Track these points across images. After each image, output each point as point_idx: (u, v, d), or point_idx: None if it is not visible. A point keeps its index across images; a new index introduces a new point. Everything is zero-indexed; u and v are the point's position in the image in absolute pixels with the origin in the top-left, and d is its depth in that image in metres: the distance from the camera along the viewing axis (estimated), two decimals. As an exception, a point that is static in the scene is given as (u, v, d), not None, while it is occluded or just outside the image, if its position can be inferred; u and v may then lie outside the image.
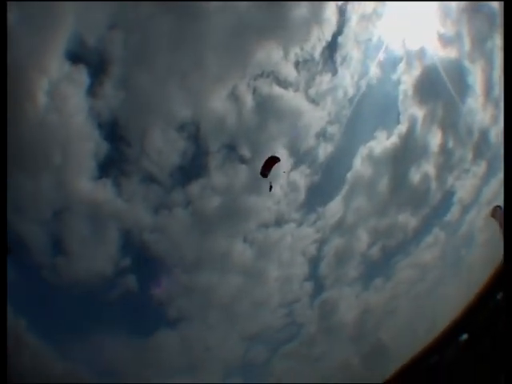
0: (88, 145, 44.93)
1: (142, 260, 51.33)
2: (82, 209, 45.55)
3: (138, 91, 47.59)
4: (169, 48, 46.58)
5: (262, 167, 21.24)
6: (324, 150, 55.39)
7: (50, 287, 43.67)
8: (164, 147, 49.55)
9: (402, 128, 50.10)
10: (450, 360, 18.99)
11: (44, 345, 37.20)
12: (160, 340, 46.27)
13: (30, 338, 36.69)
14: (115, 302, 47.74)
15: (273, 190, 22.29)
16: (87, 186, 45.14)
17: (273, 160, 21.30)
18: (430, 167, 47.91)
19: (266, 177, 21.37)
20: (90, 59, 44.65)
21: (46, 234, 43.59)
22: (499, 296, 16.58)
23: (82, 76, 43.44)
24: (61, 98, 42.86)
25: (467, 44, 42.58)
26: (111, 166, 52.38)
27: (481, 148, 42.30)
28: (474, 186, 41.12)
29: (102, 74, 45.38)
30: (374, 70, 51.26)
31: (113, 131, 48.90)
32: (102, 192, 46.00)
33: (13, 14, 37.29)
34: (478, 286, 19.47)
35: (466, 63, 42.75)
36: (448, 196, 45.72)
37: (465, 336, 18.90)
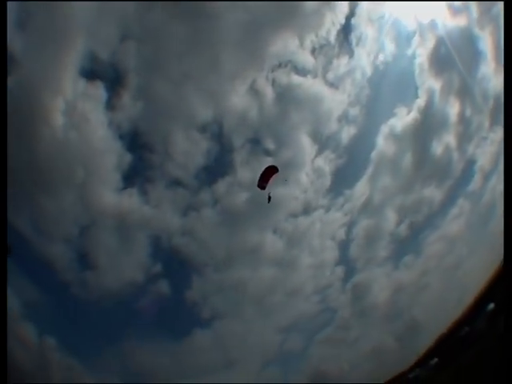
0: (110, 157, 45.93)
1: (173, 264, 52.42)
2: (109, 221, 46.71)
3: (156, 98, 48.26)
4: (183, 52, 46.77)
5: (259, 179, 20.63)
6: (347, 133, 55.22)
7: (80, 303, 44.40)
8: (187, 149, 50.36)
9: (421, 102, 49.46)
10: (480, 331, 19.19)
11: (76, 361, 37.20)
12: (195, 341, 46.76)
13: (60, 356, 36.85)
14: (148, 309, 48.80)
15: (271, 200, 21.37)
16: (112, 198, 46.40)
17: (270, 171, 20.71)
18: (450, 138, 47.29)
19: (264, 189, 20.71)
20: (105, 73, 45.64)
21: (73, 250, 44.33)
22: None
23: (99, 91, 44.29)
24: (79, 116, 43.71)
25: (475, 11, 41.74)
26: (135, 175, 53.71)
27: (497, 114, 41.55)
28: (492, 152, 40.26)
29: (119, 86, 46.12)
30: (389, 47, 50.68)
31: (134, 141, 50.01)
32: (128, 202, 47.19)
33: (21, 39, 38.53)
34: (500, 257, 19.58)
35: (476, 30, 41.85)
36: (469, 165, 45.06)
37: (491, 306, 19.09)
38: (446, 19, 44.35)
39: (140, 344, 44.94)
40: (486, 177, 40.52)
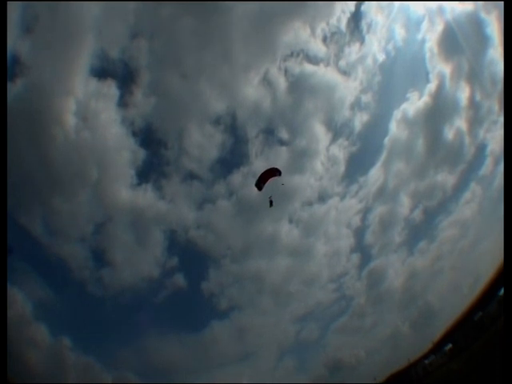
0: (124, 154, 46.33)
1: (190, 257, 52.74)
2: (124, 217, 47.13)
3: (169, 93, 48.74)
4: (195, 46, 46.94)
5: (258, 179, 20.21)
6: (360, 120, 55.02)
7: (96, 300, 44.92)
8: (201, 143, 50.57)
9: (432, 86, 49.13)
10: (492, 315, 19.18)
11: (93, 359, 37.39)
12: (213, 332, 47.03)
13: (76, 355, 37.31)
14: (165, 303, 48.91)
15: (273, 204, 20.65)
16: (127, 194, 46.85)
17: (270, 172, 20.19)
18: (461, 122, 46.88)
19: (261, 189, 20.14)
20: (116, 72, 46.06)
21: (88, 248, 44.66)
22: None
23: (111, 89, 44.78)
24: (91, 115, 44.17)
25: None
26: (150, 171, 54.22)
27: (506, 97, 41.26)
28: (503, 136, 40.12)
29: (131, 83, 46.74)
30: (399, 33, 50.84)
31: (148, 136, 50.38)
32: (143, 198, 47.64)
33: (29, 42, 38.78)
34: None
35: (483, 15, 41.30)
36: (481, 149, 44.67)
37: (503, 290, 18.99)
38: (453, 4, 44.07)
39: (157, 339, 45.33)
40: (497, 160, 40.00)
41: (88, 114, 44.09)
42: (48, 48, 40.62)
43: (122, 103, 46.42)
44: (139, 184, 48.25)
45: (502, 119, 40.33)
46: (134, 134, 47.37)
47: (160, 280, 48.62)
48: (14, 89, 38.61)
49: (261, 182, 19.69)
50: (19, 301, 35.12)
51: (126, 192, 46.96)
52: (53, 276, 44.40)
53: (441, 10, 47.12)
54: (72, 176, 43.49)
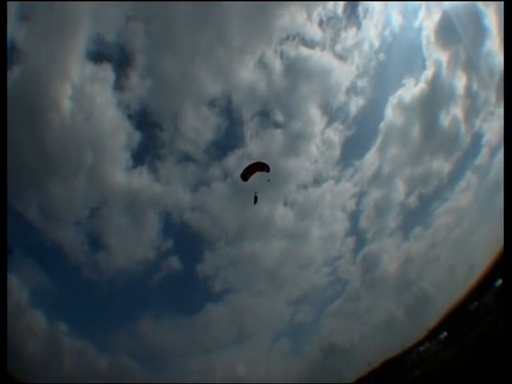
0: (120, 137, 46.42)
1: (185, 239, 53.02)
2: (120, 201, 47.21)
3: (164, 76, 48.67)
4: (190, 28, 46.45)
5: (245, 169, 19.02)
6: (355, 104, 55.02)
7: (92, 285, 45.09)
8: (197, 125, 50.56)
9: (429, 73, 49.33)
10: (488, 306, 19.37)
11: (88, 344, 37.89)
12: (208, 315, 47.43)
13: (73, 340, 37.43)
14: (159, 286, 49.09)
15: (258, 201, 19.21)
16: (122, 177, 46.88)
17: (259, 166, 19.07)
18: (458, 110, 46.98)
19: (246, 180, 18.89)
20: (112, 55, 46.05)
21: (84, 233, 45.21)
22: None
23: (107, 73, 44.59)
24: (87, 99, 43.91)
25: None
26: (145, 153, 54.18)
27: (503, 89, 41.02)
28: (499, 127, 39.85)
29: (127, 66, 46.87)
30: (396, 19, 51.33)
31: (144, 119, 50.23)
32: (138, 180, 47.72)
33: (25, 29, 38.53)
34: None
35: (481, 6, 41.30)
36: (477, 139, 44.91)
37: (499, 282, 19.17)
38: None
39: (152, 322, 45.61)
40: (493, 151, 40.31)
41: (84, 98, 43.75)
42: (44, 34, 40.14)
43: (118, 86, 46.28)
44: (134, 167, 48.13)
45: (498, 110, 40.38)
46: (130, 116, 47.20)
47: (155, 263, 48.82)
48: (11, 75, 38.19)
49: (247, 173, 18.90)
50: (16, 288, 35.26)
51: (121, 175, 46.80)
52: (48, 261, 44.30)
53: (438, -1, 47.10)
54: (67, 160, 43.30)
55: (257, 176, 19.32)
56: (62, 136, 42.63)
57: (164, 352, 44.73)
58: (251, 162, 19.47)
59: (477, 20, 42.06)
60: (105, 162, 46.94)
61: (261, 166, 19.21)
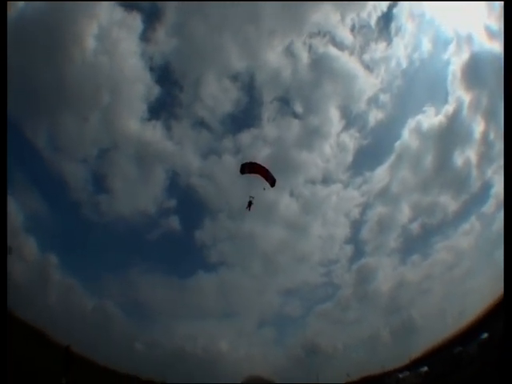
0: (139, 87, 47.27)
1: (187, 203, 53.79)
2: (130, 148, 47.90)
3: (192, 39, 49.60)
4: None
5: (250, 164, 17.60)
6: (375, 116, 55.98)
7: (89, 224, 45.30)
8: (217, 94, 51.34)
9: (450, 108, 50.15)
10: (472, 355, 20.91)
11: (77, 282, 38.35)
12: (200, 283, 48.16)
13: (61, 274, 37.82)
14: (156, 242, 49.74)
15: (252, 207, 17.90)
16: (136, 126, 47.72)
17: (265, 172, 17.63)
18: (472, 154, 47.91)
19: (242, 173, 17.46)
20: (143, 6, 46.88)
21: (89, 171, 46.01)
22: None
23: (136, 22, 45.73)
24: (111, 42, 44.70)
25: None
26: (162, 109, 54.78)
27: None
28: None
29: (156, 20, 47.54)
30: (426, 45, 52.31)
31: (165, 75, 51.01)
32: (151, 133, 48.61)
33: None
34: (501, 288, 20.84)
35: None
36: (486, 187, 45.69)
37: (485, 335, 20.71)
38: (482, 38, 45.78)
39: (143, 275, 46.14)
40: (499, 206, 41.03)
41: (108, 40, 44.62)
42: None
43: (144, 37, 47.12)
44: (149, 119, 49.00)
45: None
46: (152, 69, 48.30)
47: (155, 218, 49.54)
48: (39, 5, 39.33)
49: (246, 168, 17.49)
50: (12, 210, 35.02)
51: (134, 124, 47.64)
52: (49, 191, 44.38)
53: (469, 39, 48.43)
54: (84, 96, 44.32)
55: (256, 178, 18.34)
56: (82, 72, 43.13)
57: (150, 309, 44.70)
58: (261, 163, 18.02)
59: (502, 75, 42.75)
60: (120, 107, 47.51)
61: (266, 174, 17.86)
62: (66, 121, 43.66)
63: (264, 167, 18.16)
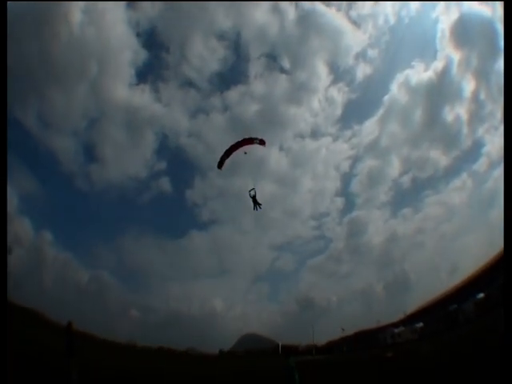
0: (126, 54, 48.11)
1: (178, 163, 54.07)
2: (119, 115, 47.79)
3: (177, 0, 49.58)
4: None
5: (224, 154, 14.15)
6: (363, 71, 55.06)
7: (82, 196, 45.81)
8: (203, 54, 50.40)
9: (439, 65, 49.69)
10: (468, 315, 21.47)
11: (72, 256, 38.84)
12: (192, 242, 49.71)
13: (56, 250, 38.46)
14: (148, 205, 50.47)
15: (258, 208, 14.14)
16: (124, 92, 47.27)
17: (237, 144, 14.17)
18: (462, 111, 47.64)
19: (220, 167, 14.20)
20: None
21: (80, 143, 48.17)
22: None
23: None
24: (98, 14, 45.70)
25: (499, 10, 40.09)
26: (149, 73, 54.22)
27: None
28: (502, 144, 41.38)
29: None
30: (414, 3, 54.32)
31: (151, 39, 50.07)
32: (140, 98, 48.27)
33: None
34: (495, 248, 20.94)
35: (499, 26, 41.52)
36: (477, 145, 46.02)
37: (481, 295, 21.14)
38: (471, 3, 48.48)
39: (136, 240, 47.17)
40: (492, 165, 41.33)
41: (95, 12, 45.43)
42: None
43: (131, 6, 51.27)
44: (137, 84, 48.44)
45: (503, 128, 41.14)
46: (138, 34, 48.07)
47: (146, 181, 50.40)
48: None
49: (225, 157, 14.17)
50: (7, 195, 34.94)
51: (123, 90, 47.08)
52: (41, 169, 45.21)
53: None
54: (71, 69, 44.96)
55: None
56: (69, 45, 43.50)
57: (145, 273, 46.56)
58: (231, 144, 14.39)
59: (492, 36, 41.67)
60: (108, 76, 47.04)
61: (248, 142, 14.39)
62: (54, 96, 42.59)
63: (241, 140, 14.54)
